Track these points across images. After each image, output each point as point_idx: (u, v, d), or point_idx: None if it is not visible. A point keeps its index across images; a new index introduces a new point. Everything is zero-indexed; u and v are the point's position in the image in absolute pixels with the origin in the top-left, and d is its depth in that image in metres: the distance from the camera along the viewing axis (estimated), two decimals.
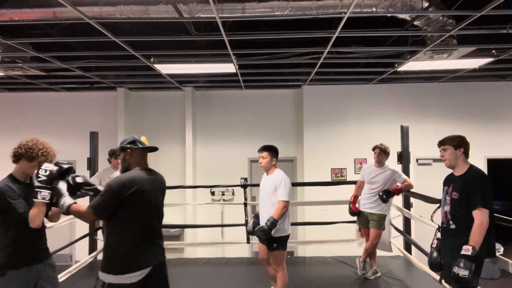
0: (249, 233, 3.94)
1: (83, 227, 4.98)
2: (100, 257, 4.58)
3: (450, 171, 2.94)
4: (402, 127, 5.31)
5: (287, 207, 3.48)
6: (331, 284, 4.30)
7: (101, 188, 2.47)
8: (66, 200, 2.35)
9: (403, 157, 5.24)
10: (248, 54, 5.34)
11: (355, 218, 4.77)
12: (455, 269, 2.51)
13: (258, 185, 4.02)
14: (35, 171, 2.45)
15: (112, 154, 4.99)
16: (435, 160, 7.22)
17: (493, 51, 5.23)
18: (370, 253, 4.45)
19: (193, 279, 4.57)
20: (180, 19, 3.83)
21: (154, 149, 2.56)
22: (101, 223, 4.93)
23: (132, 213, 2.30)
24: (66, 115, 7.95)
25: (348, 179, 7.37)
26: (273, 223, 3.38)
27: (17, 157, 2.55)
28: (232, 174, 7.66)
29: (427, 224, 3.79)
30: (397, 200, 5.19)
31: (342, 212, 6.13)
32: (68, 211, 2.33)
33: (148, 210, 2.39)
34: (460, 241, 2.63)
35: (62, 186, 2.41)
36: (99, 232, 5.23)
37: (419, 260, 4.73)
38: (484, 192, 2.62)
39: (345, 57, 5.45)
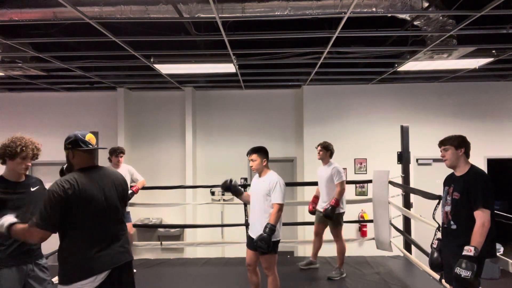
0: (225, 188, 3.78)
1: None
2: None
3: (450, 171, 2.93)
4: (402, 127, 5.31)
5: (282, 210, 3.37)
6: (331, 284, 4.29)
7: None
8: (5, 219, 2.16)
9: (403, 157, 5.24)
10: (248, 54, 5.34)
11: (355, 218, 4.78)
12: (457, 270, 2.50)
13: None
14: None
15: (113, 152, 4.98)
16: (435, 160, 7.22)
17: (493, 51, 5.24)
18: (340, 254, 4.45)
19: (193, 279, 4.56)
20: (180, 19, 3.83)
21: (100, 149, 2.42)
22: None
23: (76, 217, 2.14)
24: (66, 115, 7.95)
25: (348, 179, 7.36)
26: (271, 229, 3.25)
27: (1, 158, 2.58)
28: (232, 174, 7.63)
29: (427, 224, 3.79)
30: (397, 200, 5.19)
31: None
32: (9, 232, 2.14)
33: (96, 211, 2.19)
34: (461, 241, 2.63)
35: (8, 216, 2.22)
36: None
37: (419, 260, 4.73)
38: (486, 192, 2.62)
39: (345, 57, 5.45)
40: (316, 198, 4.68)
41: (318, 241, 4.68)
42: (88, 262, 2.14)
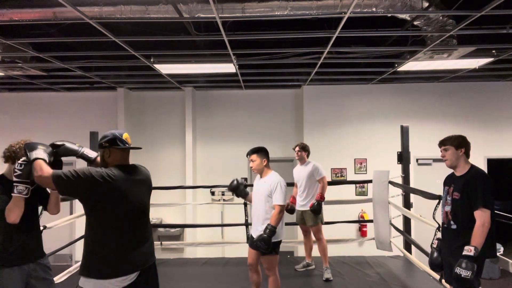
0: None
1: (83, 226, 4.97)
2: None
3: (450, 171, 2.94)
4: (402, 127, 5.31)
5: (283, 211, 3.39)
6: (330, 284, 4.30)
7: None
8: (38, 153, 2.20)
9: (403, 157, 5.24)
10: (248, 54, 5.34)
11: (355, 218, 4.79)
12: (458, 270, 2.50)
13: None
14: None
15: None
16: (435, 160, 7.22)
17: (493, 51, 5.23)
18: (323, 252, 4.48)
19: (193, 279, 4.56)
20: (180, 19, 3.83)
21: (135, 148, 2.41)
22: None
23: (112, 213, 2.15)
24: (66, 115, 7.95)
25: (348, 179, 7.38)
26: (271, 230, 3.26)
27: (6, 158, 2.59)
28: (232, 174, 7.62)
29: (427, 224, 3.79)
30: (397, 200, 5.19)
31: (342, 212, 6.16)
32: (33, 161, 2.16)
33: (130, 209, 2.22)
34: (461, 241, 2.63)
35: (43, 151, 2.26)
36: None
37: (419, 260, 4.73)
38: (486, 192, 2.62)
39: (345, 57, 5.45)
40: (294, 199, 4.70)
41: (308, 240, 4.74)
42: (119, 260, 2.14)
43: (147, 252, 2.30)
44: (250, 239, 3.64)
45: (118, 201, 2.16)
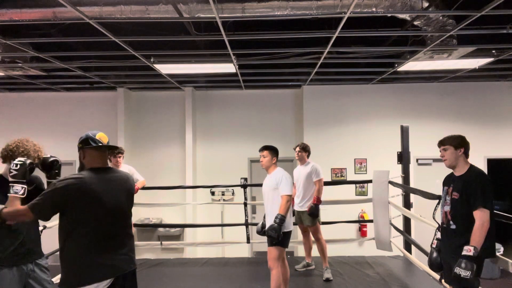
0: (258, 234, 3.95)
1: None
2: None
3: (449, 171, 2.94)
4: (402, 127, 5.31)
5: (290, 201, 3.54)
6: (330, 284, 4.30)
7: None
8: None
9: (403, 157, 5.24)
10: (248, 54, 5.34)
11: (355, 218, 4.79)
12: (457, 270, 2.50)
13: (258, 185, 4.04)
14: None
15: (111, 152, 4.99)
16: (435, 160, 7.22)
17: (493, 51, 5.24)
18: (322, 252, 4.50)
19: (193, 279, 4.56)
20: (180, 19, 3.84)
21: (110, 147, 2.36)
22: None
23: (83, 218, 2.09)
24: (66, 115, 7.96)
25: (348, 179, 7.38)
26: (281, 219, 3.42)
27: (3, 158, 2.60)
28: (232, 174, 7.66)
29: (427, 224, 3.79)
30: (397, 200, 5.20)
31: (342, 212, 6.16)
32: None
33: (103, 214, 2.14)
34: (461, 241, 2.63)
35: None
36: None
37: (419, 260, 4.73)
38: (485, 192, 2.61)
39: (345, 57, 5.45)
40: (292, 199, 4.71)
41: (307, 240, 4.76)
42: (91, 266, 2.08)
43: (124, 259, 2.22)
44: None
45: (86, 202, 2.10)
